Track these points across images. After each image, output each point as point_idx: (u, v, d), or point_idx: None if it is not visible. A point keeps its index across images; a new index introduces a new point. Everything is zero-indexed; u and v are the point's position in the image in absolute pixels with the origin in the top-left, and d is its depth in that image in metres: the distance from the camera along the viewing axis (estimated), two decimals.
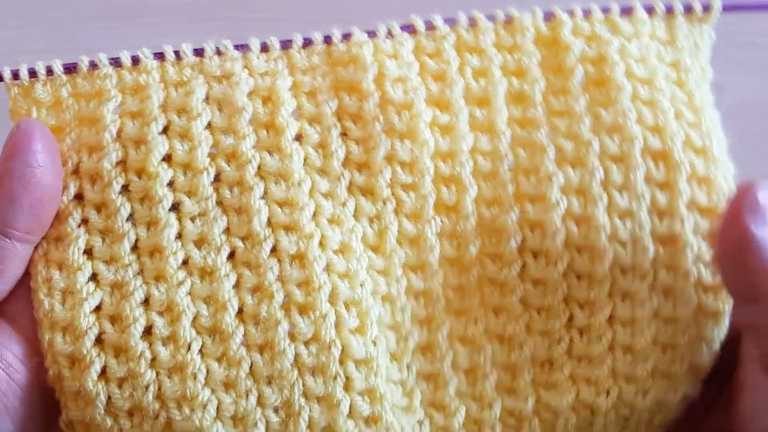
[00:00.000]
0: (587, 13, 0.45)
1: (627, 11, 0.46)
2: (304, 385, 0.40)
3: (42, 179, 0.40)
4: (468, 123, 0.44)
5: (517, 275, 0.43)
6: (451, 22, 0.45)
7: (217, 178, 0.42)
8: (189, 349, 0.40)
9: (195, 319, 0.41)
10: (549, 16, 0.45)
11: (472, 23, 0.45)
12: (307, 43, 0.44)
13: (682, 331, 0.43)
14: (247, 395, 0.40)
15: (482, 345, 0.43)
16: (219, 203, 0.41)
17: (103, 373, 0.40)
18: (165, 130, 0.42)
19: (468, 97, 0.44)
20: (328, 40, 0.44)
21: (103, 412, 0.40)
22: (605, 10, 0.46)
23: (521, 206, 0.43)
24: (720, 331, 0.43)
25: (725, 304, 0.43)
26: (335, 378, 0.40)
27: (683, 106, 0.45)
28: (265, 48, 0.43)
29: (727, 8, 0.47)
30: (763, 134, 0.69)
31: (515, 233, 0.43)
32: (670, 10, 0.46)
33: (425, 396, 0.43)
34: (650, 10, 0.46)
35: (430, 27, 0.44)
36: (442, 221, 0.43)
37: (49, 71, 0.43)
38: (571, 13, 0.45)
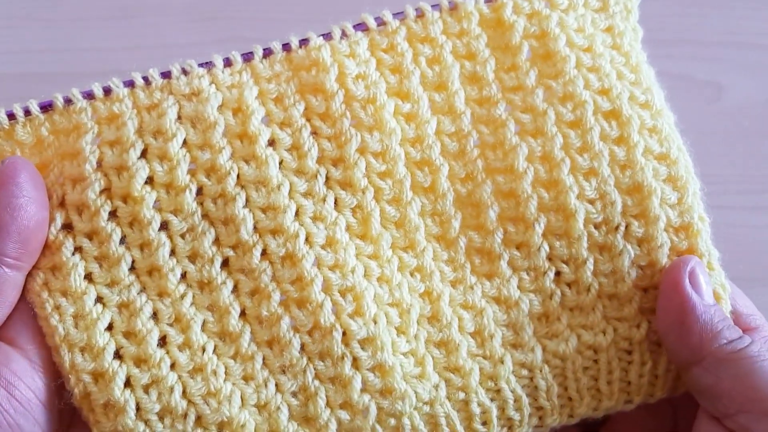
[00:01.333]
0: None
1: None
2: (315, 369, 0.44)
3: (28, 208, 0.42)
4: (429, 108, 0.46)
5: (501, 242, 0.46)
6: (400, 15, 0.47)
7: (200, 192, 0.44)
8: (204, 350, 0.43)
9: (204, 324, 0.44)
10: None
11: (420, 14, 0.47)
12: (267, 52, 0.46)
13: (660, 272, 0.46)
14: (266, 384, 0.44)
15: (482, 308, 0.46)
16: (205, 216, 0.44)
17: (128, 382, 0.43)
18: (143, 154, 0.44)
19: (425, 84, 0.46)
20: (287, 47, 0.46)
21: (134, 417, 0.42)
22: None
23: (493, 179, 0.46)
24: None
25: (697, 241, 0.46)
26: (342, 358, 0.43)
27: (622, 67, 0.47)
28: (228, 62, 0.45)
29: None
30: (763, 134, 0.69)
31: (492, 204, 0.46)
32: None
33: (438, 361, 0.45)
34: None
35: (381, 23, 0.47)
36: (421, 201, 0.46)
37: (27, 112, 0.44)
38: None
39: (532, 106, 0.46)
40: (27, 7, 0.71)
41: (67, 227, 0.44)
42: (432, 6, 0.47)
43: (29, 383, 0.42)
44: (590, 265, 0.46)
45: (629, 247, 0.46)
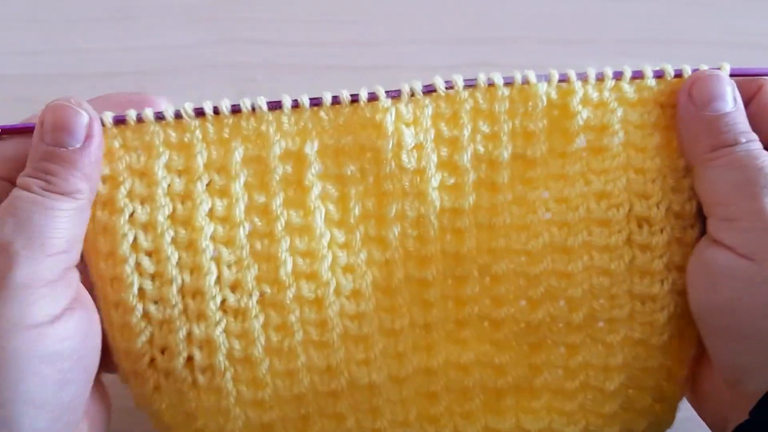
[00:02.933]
0: (600, 77, 0.47)
1: (637, 75, 0.47)
2: (312, 382, 0.48)
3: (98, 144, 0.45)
4: (473, 183, 0.48)
5: (509, 316, 0.49)
6: (471, 83, 0.47)
7: (250, 230, 0.47)
8: (224, 376, 0.47)
9: (229, 351, 0.47)
10: (564, 78, 0.47)
11: (491, 83, 0.47)
12: (335, 101, 0.46)
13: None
14: (271, 409, 0.48)
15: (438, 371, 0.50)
16: (251, 253, 0.47)
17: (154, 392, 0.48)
18: (206, 186, 0.47)
19: (475, 159, 0.48)
20: (354, 98, 0.46)
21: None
22: (617, 75, 0.47)
23: (517, 258, 0.48)
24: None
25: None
26: (339, 407, 0.49)
27: (669, 170, 0.47)
28: (296, 104, 0.46)
29: (733, 74, 0.48)
30: None
31: (509, 281, 0.48)
32: (679, 74, 0.47)
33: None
34: (660, 74, 0.48)
35: (450, 87, 0.47)
36: (445, 264, 0.48)
37: (101, 123, 0.46)
38: (585, 79, 0.47)
39: (568, 197, 0.47)
40: (27, 8, 0.71)
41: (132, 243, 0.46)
42: (504, 79, 0.47)
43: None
44: (580, 357, 0.48)
45: (621, 355, 0.47)
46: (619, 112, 0.47)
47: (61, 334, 0.41)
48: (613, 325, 0.47)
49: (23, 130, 0.45)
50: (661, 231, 0.46)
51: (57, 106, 0.44)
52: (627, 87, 0.47)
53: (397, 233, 0.47)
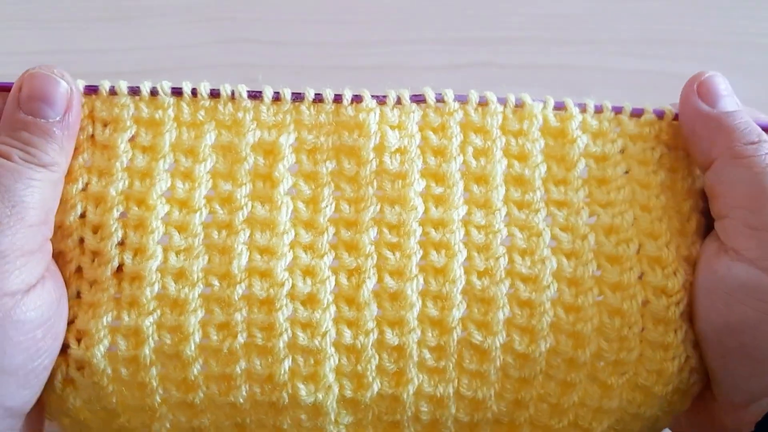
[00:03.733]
0: (599, 109, 0.47)
1: (638, 112, 0.47)
2: (250, 392, 0.43)
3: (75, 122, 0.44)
4: (462, 196, 0.45)
5: (500, 346, 0.44)
6: (462, 98, 0.46)
7: (209, 221, 0.44)
8: (149, 372, 0.43)
9: (159, 346, 0.43)
10: (560, 107, 0.46)
11: (483, 102, 0.46)
12: (318, 98, 0.45)
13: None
14: (202, 413, 0.44)
15: (447, 403, 0.45)
16: (204, 242, 0.44)
17: (68, 382, 0.44)
18: (171, 167, 0.45)
19: (466, 173, 0.46)
20: (338, 98, 0.45)
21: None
22: (617, 110, 0.47)
23: (512, 282, 0.44)
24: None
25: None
26: (282, 405, 0.43)
27: (674, 212, 0.46)
28: (277, 97, 0.45)
29: None
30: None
31: (504, 306, 0.44)
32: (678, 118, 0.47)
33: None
34: (660, 114, 0.47)
35: (441, 100, 0.46)
36: (426, 281, 0.44)
37: None
38: (583, 108, 0.46)
39: (574, 226, 0.45)
40: (26, 8, 0.71)
41: (82, 216, 0.44)
42: (498, 99, 0.46)
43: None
44: (575, 396, 0.44)
45: (618, 399, 0.44)
46: (620, 143, 0.46)
47: (36, 302, 0.40)
48: (618, 367, 0.44)
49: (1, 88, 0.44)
50: (675, 273, 0.44)
51: (37, 74, 0.43)
52: (627, 120, 0.46)
53: (373, 238, 0.44)
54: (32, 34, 0.71)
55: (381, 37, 0.70)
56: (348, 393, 0.44)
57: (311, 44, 0.70)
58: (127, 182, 0.44)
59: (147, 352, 0.42)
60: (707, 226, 0.46)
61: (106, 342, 0.42)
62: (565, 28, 0.71)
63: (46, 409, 0.45)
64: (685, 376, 0.44)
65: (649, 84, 0.69)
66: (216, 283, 0.43)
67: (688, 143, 0.46)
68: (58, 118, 0.43)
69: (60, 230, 0.44)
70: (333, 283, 0.44)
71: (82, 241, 0.44)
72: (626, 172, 0.46)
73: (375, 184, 0.45)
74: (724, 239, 0.43)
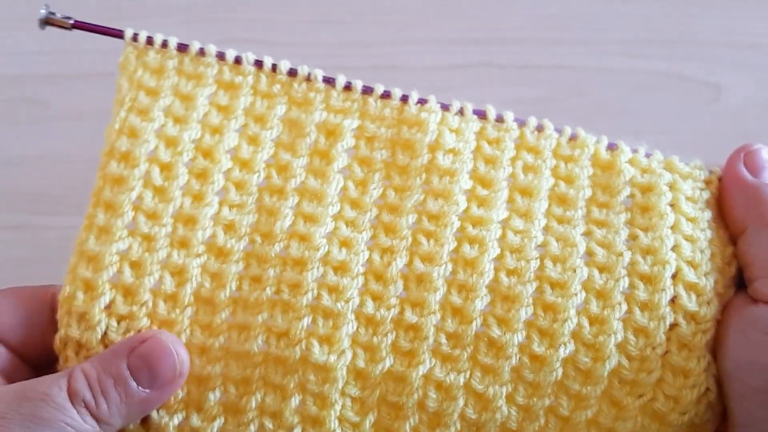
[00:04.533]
0: (649, 155, 0.48)
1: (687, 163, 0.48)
2: (266, 370, 0.45)
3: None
4: (505, 202, 0.47)
5: (518, 344, 0.44)
6: (521, 121, 0.48)
7: (264, 184, 0.48)
8: (183, 310, 0.45)
9: (198, 288, 0.46)
10: (613, 147, 0.48)
11: (539, 128, 0.48)
12: (386, 95, 0.48)
13: None
14: (217, 361, 0.45)
15: (455, 396, 0.45)
16: (257, 202, 0.47)
17: (109, 306, 0.45)
18: (239, 129, 0.48)
19: (513, 184, 0.48)
20: (405, 98, 0.48)
21: (99, 338, 0.45)
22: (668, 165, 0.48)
23: (540, 284, 0.45)
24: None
25: None
26: (296, 368, 0.44)
27: (720, 253, 0.46)
28: (348, 86, 0.48)
29: None
30: (762, 134, 0.69)
31: (528, 305, 0.44)
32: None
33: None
34: (708, 171, 0.48)
35: (500, 119, 0.48)
36: (453, 269, 0.45)
37: (164, 44, 0.49)
38: (636, 150, 0.48)
39: (611, 243, 0.46)
40: (25, 8, 0.71)
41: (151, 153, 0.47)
42: (555, 128, 0.48)
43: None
44: (588, 412, 0.44)
45: (632, 421, 0.44)
46: (667, 177, 0.47)
47: None
48: (636, 388, 0.44)
49: (102, 30, 0.49)
50: (708, 303, 0.44)
51: (163, 342, 0.44)
52: (677, 161, 0.48)
53: (411, 222, 0.46)
54: (32, 34, 0.71)
55: (381, 37, 0.70)
56: (360, 363, 0.45)
57: (311, 44, 0.70)
58: (199, 133, 0.47)
59: (188, 291, 0.45)
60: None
61: (155, 276, 0.45)
62: (565, 28, 0.70)
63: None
64: (702, 408, 0.44)
65: (649, 84, 0.69)
66: (258, 240, 0.46)
67: (724, 207, 0.47)
68: (147, 391, 0.43)
69: (126, 158, 0.46)
70: (366, 257, 0.46)
71: (147, 174, 0.46)
72: (671, 206, 0.46)
73: (423, 177, 0.47)
74: (759, 298, 0.44)
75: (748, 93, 0.70)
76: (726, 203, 0.47)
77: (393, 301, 0.45)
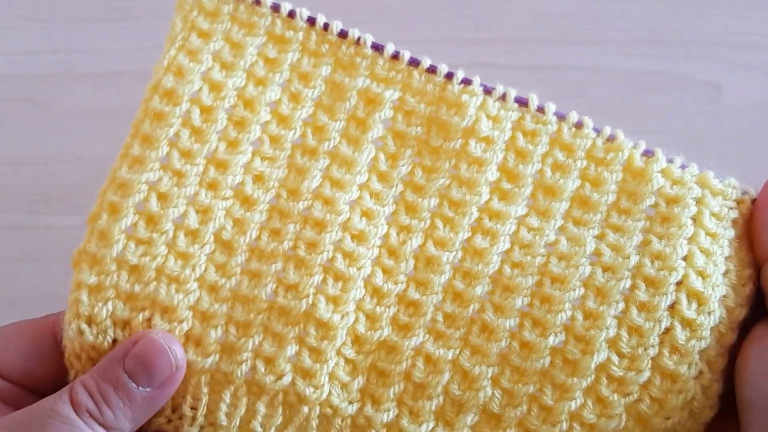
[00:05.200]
0: (684, 167, 0.48)
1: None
2: (270, 317, 0.46)
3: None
4: (527, 199, 0.48)
5: (509, 329, 0.45)
6: (561, 115, 0.48)
7: (299, 142, 0.49)
8: (202, 247, 0.46)
9: (219, 230, 0.47)
10: (649, 154, 0.48)
11: (578, 124, 0.48)
12: (431, 69, 0.48)
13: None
14: (224, 301, 0.46)
15: (442, 373, 0.46)
16: (289, 158, 0.48)
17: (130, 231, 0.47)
18: (283, 83, 0.49)
19: (538, 181, 0.48)
20: (450, 76, 0.48)
21: (113, 256, 0.46)
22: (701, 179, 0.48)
23: (541, 278, 0.46)
24: None
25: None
26: (302, 321, 0.46)
27: (735, 272, 0.46)
28: (395, 56, 0.49)
29: None
30: (762, 134, 0.69)
31: (525, 295, 0.46)
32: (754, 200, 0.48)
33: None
34: (742, 191, 0.48)
35: (541, 110, 0.48)
36: (462, 257, 0.47)
37: None
38: (671, 160, 0.48)
39: (621, 246, 0.46)
40: (26, 8, 0.71)
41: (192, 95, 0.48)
42: (594, 127, 0.48)
43: None
44: (572, 404, 0.44)
45: (615, 421, 0.44)
46: (696, 191, 0.47)
47: None
48: (622, 386, 0.44)
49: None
50: (709, 314, 0.44)
51: (155, 341, 0.44)
52: (712, 177, 0.47)
53: (433, 206, 0.47)
54: (32, 34, 0.71)
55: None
56: (360, 328, 0.46)
57: None
58: (243, 82, 0.48)
59: (209, 230, 0.46)
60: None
61: (180, 209, 0.47)
62: (565, 28, 0.70)
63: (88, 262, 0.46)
64: (685, 416, 0.44)
65: (649, 84, 0.69)
66: (284, 195, 0.47)
67: (754, 231, 0.47)
68: (149, 390, 0.43)
69: (169, 95, 0.47)
70: (384, 231, 0.47)
71: (187, 113, 0.47)
72: (693, 219, 0.46)
73: (453, 161, 0.48)
74: None
75: (748, 93, 0.70)
76: (757, 227, 0.47)
77: (401, 277, 0.47)
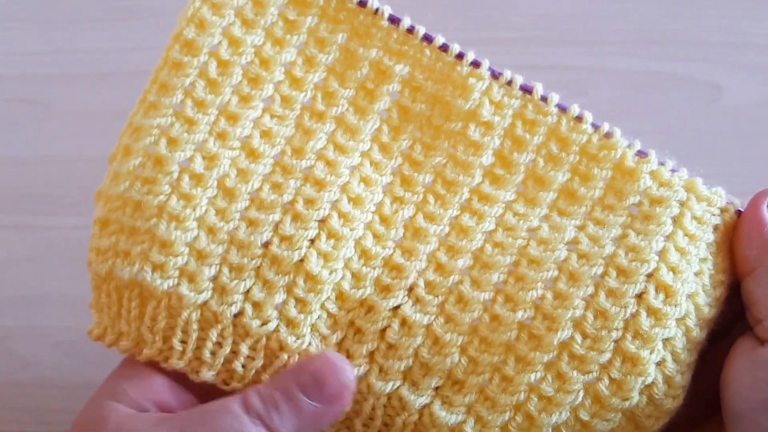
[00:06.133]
0: (674, 171, 0.49)
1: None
2: (264, 271, 0.47)
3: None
4: (516, 185, 0.50)
5: (482, 302, 0.47)
6: (564, 107, 0.49)
7: (308, 104, 0.50)
8: (205, 192, 0.48)
9: (223, 176, 0.48)
10: (642, 154, 0.49)
11: (579, 117, 0.49)
12: (443, 48, 0.50)
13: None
14: (220, 244, 0.48)
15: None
16: (297, 119, 0.50)
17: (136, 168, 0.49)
18: (299, 46, 0.51)
19: (530, 169, 0.50)
20: (460, 55, 0.49)
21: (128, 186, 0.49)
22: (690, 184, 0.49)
23: (519, 259, 0.48)
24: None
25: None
26: (291, 273, 0.47)
27: (708, 273, 0.48)
28: (410, 30, 0.50)
29: None
30: (762, 134, 0.69)
31: (501, 273, 0.48)
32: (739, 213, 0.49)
33: None
34: (728, 202, 0.49)
35: (544, 99, 0.49)
36: (448, 231, 0.49)
37: None
38: (663, 163, 0.49)
39: (599, 237, 0.48)
40: (25, 8, 0.71)
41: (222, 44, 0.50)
42: (592, 123, 0.49)
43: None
44: (532, 377, 0.46)
45: (573, 396, 0.46)
46: (682, 194, 0.48)
47: None
48: (583, 364, 0.46)
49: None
50: (675, 306, 0.46)
51: (334, 363, 0.46)
52: (700, 181, 0.49)
53: (427, 181, 0.50)
54: (32, 34, 0.71)
55: None
56: (345, 285, 0.48)
57: None
58: (262, 40, 0.50)
59: (213, 176, 0.48)
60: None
61: (187, 153, 0.48)
62: (565, 28, 0.71)
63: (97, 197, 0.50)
64: (644, 401, 0.46)
65: (649, 84, 0.69)
66: (288, 152, 0.49)
67: (737, 242, 0.48)
68: (318, 405, 0.44)
69: (189, 46, 0.49)
70: (379, 199, 0.49)
71: (206, 65, 0.49)
72: (674, 219, 0.48)
73: (451, 141, 0.50)
74: (766, 338, 0.45)
75: (747, 93, 0.70)
76: (740, 239, 0.48)
77: (389, 243, 0.49)
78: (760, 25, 0.70)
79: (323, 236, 0.47)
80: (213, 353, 0.47)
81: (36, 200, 0.69)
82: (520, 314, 0.46)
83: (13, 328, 0.68)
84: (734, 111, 0.69)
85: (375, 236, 0.49)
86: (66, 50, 0.71)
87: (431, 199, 0.49)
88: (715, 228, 0.48)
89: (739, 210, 0.49)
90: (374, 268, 0.48)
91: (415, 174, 0.50)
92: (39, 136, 0.70)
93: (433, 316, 0.47)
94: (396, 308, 0.48)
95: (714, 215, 0.48)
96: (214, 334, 0.47)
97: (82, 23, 0.70)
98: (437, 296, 0.48)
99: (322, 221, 0.48)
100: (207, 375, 0.47)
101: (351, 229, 0.48)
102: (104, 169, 0.71)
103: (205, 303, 0.47)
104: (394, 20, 0.50)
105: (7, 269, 0.69)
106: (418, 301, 0.48)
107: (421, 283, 0.48)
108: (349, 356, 0.47)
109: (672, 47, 0.69)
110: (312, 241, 0.47)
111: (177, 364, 0.47)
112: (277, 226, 0.47)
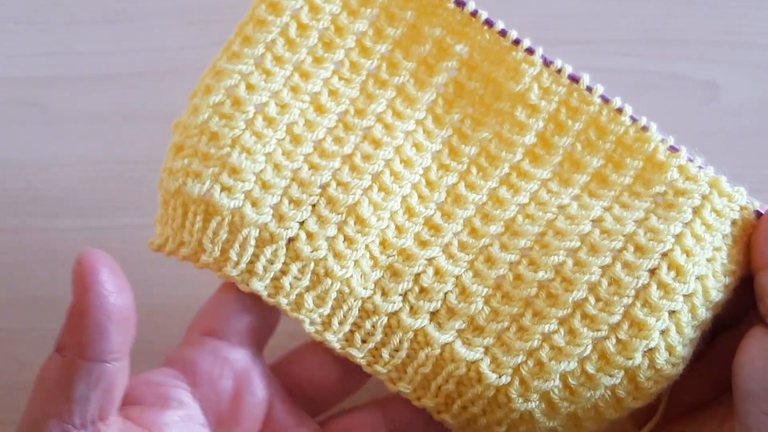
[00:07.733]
0: (701, 168, 0.52)
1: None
2: (318, 208, 0.52)
3: (118, 302, 0.44)
4: (554, 166, 0.54)
5: (510, 263, 0.52)
6: (607, 99, 0.53)
7: (374, 71, 0.55)
8: (275, 132, 0.53)
9: (292, 123, 0.53)
10: (674, 149, 0.52)
11: (619, 109, 0.53)
12: (502, 33, 0.54)
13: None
14: (284, 178, 0.53)
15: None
16: (362, 83, 0.55)
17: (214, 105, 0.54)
18: (372, 17, 0.55)
19: (568, 153, 0.54)
20: (516, 42, 0.53)
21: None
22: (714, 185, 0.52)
23: (546, 231, 0.52)
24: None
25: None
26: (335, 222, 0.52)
27: (720, 261, 0.51)
28: (474, 13, 0.54)
29: None
30: (762, 134, 0.69)
31: (527, 240, 0.52)
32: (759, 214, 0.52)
33: None
34: (747, 202, 0.52)
35: (589, 89, 0.53)
36: (486, 201, 0.54)
37: None
38: (692, 159, 0.52)
39: (622, 218, 0.51)
40: (24, 10, 0.71)
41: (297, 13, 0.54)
42: (631, 115, 0.52)
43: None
44: (546, 327, 0.50)
45: (580, 349, 0.49)
46: (705, 189, 0.51)
47: None
48: (594, 323, 0.49)
49: None
50: (684, 283, 0.49)
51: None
52: (724, 179, 0.51)
53: (472, 154, 0.54)
54: (32, 34, 0.71)
55: None
56: (389, 233, 0.53)
57: None
58: (339, 9, 0.55)
59: (284, 121, 0.53)
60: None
61: (263, 98, 0.53)
62: (564, 28, 0.70)
63: None
64: (645, 364, 0.49)
65: (647, 84, 0.69)
66: (351, 111, 0.54)
67: (755, 239, 0.51)
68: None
69: (274, 6, 0.53)
70: (428, 164, 0.54)
71: (287, 26, 0.54)
72: (694, 209, 0.50)
73: (499, 119, 0.54)
74: None
75: (746, 92, 0.70)
76: (759, 236, 0.51)
77: (432, 205, 0.54)
78: (758, 25, 0.70)
79: (375, 188, 0.52)
80: (265, 268, 0.52)
81: (35, 202, 0.69)
82: (540, 274, 0.50)
83: (10, 330, 0.68)
84: (731, 111, 0.69)
85: (420, 197, 0.54)
86: (65, 52, 0.71)
87: (474, 170, 0.54)
88: (733, 222, 0.51)
89: (758, 210, 0.51)
90: (415, 224, 0.53)
91: (463, 146, 0.54)
92: (38, 139, 0.70)
93: (464, 270, 0.52)
94: (431, 259, 0.52)
95: (733, 210, 0.51)
96: (268, 252, 0.51)
97: (81, 25, 0.70)
98: (468, 254, 0.52)
99: (376, 175, 0.52)
100: (257, 285, 0.51)
101: (400, 186, 0.53)
102: (104, 171, 0.71)
103: (265, 224, 0.51)
104: (459, 3, 0.54)
105: (6, 271, 0.69)
106: (450, 256, 0.52)
107: (455, 242, 0.53)
108: (384, 293, 0.52)
109: (669, 47, 0.69)
110: (365, 190, 0.52)
111: (230, 271, 0.51)
112: (335, 173, 0.52)
